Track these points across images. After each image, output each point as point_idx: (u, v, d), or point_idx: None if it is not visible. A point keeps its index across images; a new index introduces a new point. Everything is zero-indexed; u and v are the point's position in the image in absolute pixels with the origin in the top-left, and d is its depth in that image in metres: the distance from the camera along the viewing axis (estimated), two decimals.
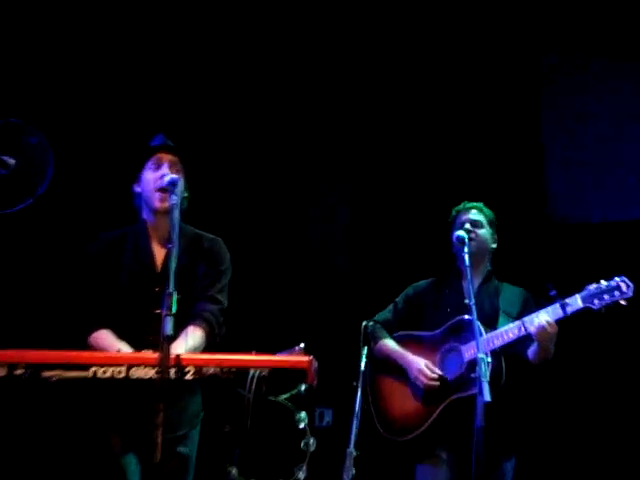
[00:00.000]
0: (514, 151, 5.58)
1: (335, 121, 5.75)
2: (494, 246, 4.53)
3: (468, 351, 4.18)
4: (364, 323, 4.17)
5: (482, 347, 3.81)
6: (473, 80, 5.52)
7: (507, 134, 5.56)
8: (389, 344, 4.43)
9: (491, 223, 4.56)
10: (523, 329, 4.08)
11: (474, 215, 4.52)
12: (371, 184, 5.69)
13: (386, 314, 4.55)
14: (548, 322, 4.00)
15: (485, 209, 4.58)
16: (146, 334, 3.56)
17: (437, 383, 4.21)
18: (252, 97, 5.69)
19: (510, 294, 4.45)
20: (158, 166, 3.84)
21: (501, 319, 4.27)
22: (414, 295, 4.55)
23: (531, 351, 4.19)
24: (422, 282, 4.62)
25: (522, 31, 5.43)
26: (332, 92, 5.68)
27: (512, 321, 4.20)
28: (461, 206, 4.61)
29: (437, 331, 4.36)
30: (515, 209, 5.52)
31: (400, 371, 4.34)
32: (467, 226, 4.43)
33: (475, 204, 4.59)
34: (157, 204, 3.79)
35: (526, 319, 4.09)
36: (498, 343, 4.11)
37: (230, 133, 5.73)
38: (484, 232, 4.47)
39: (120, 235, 3.91)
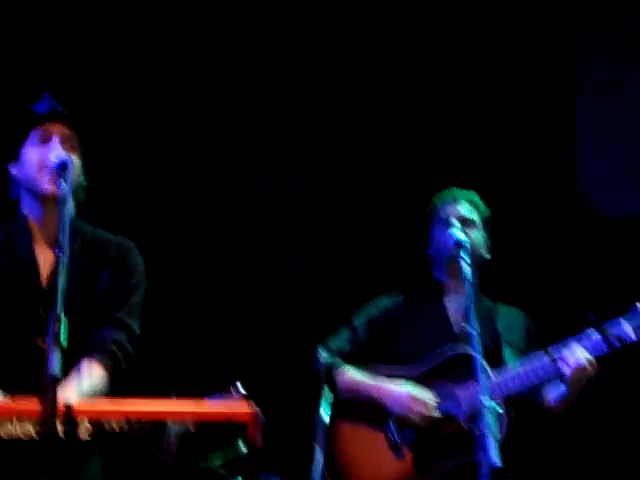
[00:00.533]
0: (541, 135, 5.65)
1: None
2: (487, 256, 4.32)
3: (468, 397, 3.97)
4: (323, 355, 3.94)
5: (491, 392, 3.64)
6: (499, 58, 5.71)
7: (534, 115, 5.67)
8: (352, 372, 4.15)
9: (486, 223, 4.33)
10: (553, 368, 3.91)
11: (466, 210, 4.28)
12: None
13: (340, 342, 4.29)
14: (589, 360, 3.87)
15: (480, 203, 4.34)
16: (25, 374, 3.40)
17: (438, 414, 3.99)
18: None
19: (508, 318, 4.28)
20: (45, 140, 3.59)
21: (507, 353, 4.11)
22: (379, 316, 4.32)
23: (552, 395, 4.05)
24: (386, 298, 4.39)
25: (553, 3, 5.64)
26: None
27: (519, 354, 4.08)
28: (448, 195, 4.35)
29: (421, 369, 4.13)
30: (540, 199, 5.51)
31: (372, 412, 4.07)
32: (455, 223, 4.17)
33: (468, 194, 4.35)
34: (47, 187, 3.52)
35: (559, 354, 3.93)
36: (516, 388, 3.94)
37: (141, 90, 5.62)
38: (477, 236, 4.25)
39: None
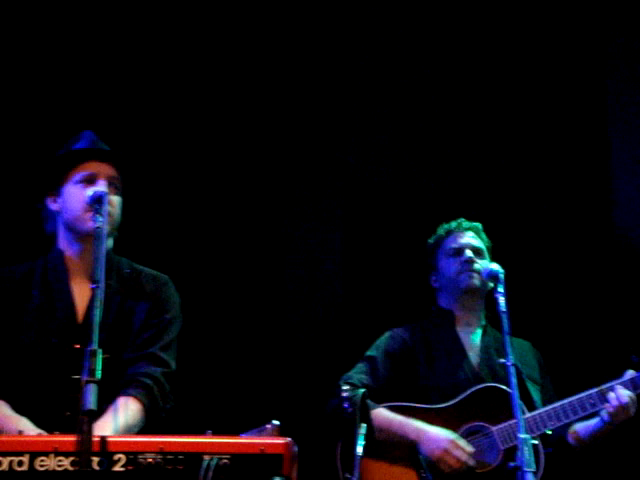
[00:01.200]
0: (576, 164, 5.62)
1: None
2: (492, 285, 4.25)
3: (505, 434, 3.92)
4: (345, 389, 3.89)
5: (529, 427, 3.63)
6: (533, 86, 5.69)
7: (567, 131, 5.65)
8: (386, 413, 4.10)
9: (489, 252, 4.36)
10: (589, 406, 3.90)
11: (474, 240, 4.31)
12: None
13: (362, 376, 4.24)
14: (632, 399, 3.87)
15: (483, 233, 4.38)
16: (60, 409, 3.38)
17: (473, 462, 3.92)
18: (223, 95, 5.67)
19: (520, 351, 4.22)
20: (90, 180, 3.60)
21: (531, 389, 4.06)
22: (397, 348, 4.28)
23: (584, 431, 4.01)
24: (399, 330, 4.35)
25: (584, 17, 5.62)
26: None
27: (538, 388, 4.04)
28: (454, 224, 4.39)
29: (448, 404, 4.08)
30: (576, 229, 5.47)
31: (404, 451, 4.02)
32: (469, 254, 4.20)
33: (473, 224, 4.38)
34: (89, 225, 3.48)
35: (593, 393, 3.92)
36: (553, 423, 3.91)
37: (185, 136, 5.61)
38: (485, 265, 4.22)
39: (24, 271, 3.69)
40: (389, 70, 5.70)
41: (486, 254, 4.31)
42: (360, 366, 4.27)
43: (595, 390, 3.93)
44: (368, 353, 4.30)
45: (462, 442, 3.94)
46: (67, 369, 3.42)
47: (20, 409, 3.46)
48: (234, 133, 5.65)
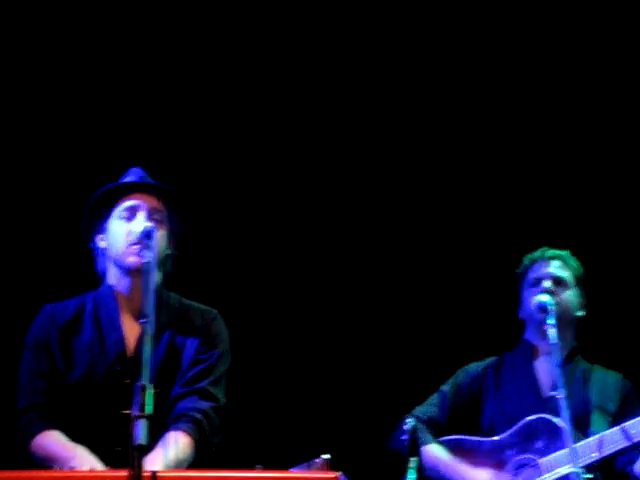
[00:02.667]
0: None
1: None
2: (581, 314, 4.27)
3: (551, 467, 3.89)
4: (408, 421, 3.90)
5: (575, 459, 3.56)
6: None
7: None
8: (437, 452, 4.12)
9: (579, 281, 4.29)
10: (625, 438, 3.85)
11: (557, 269, 4.25)
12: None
13: (430, 408, 4.26)
14: None
15: (571, 260, 4.31)
16: (111, 443, 3.41)
17: None
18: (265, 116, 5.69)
19: (604, 382, 4.20)
20: (132, 212, 3.65)
21: (595, 418, 4.03)
22: (468, 382, 4.29)
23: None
24: (475, 364, 4.37)
25: None
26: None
27: (607, 419, 4.00)
28: (538, 253, 4.34)
29: (502, 436, 4.07)
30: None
31: None
32: (548, 284, 4.16)
33: (558, 252, 4.32)
34: (132, 260, 3.58)
35: (628, 424, 3.86)
36: (596, 456, 3.86)
37: (239, 168, 5.64)
38: (569, 295, 4.22)
39: (75, 306, 3.74)
40: None
41: (572, 283, 4.25)
42: (431, 399, 4.31)
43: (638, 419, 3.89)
44: (441, 387, 4.33)
45: None
46: (118, 404, 3.42)
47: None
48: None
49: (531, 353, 4.26)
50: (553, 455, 3.89)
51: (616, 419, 4.00)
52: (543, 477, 3.93)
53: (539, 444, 3.97)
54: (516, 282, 4.36)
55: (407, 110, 5.66)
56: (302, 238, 5.65)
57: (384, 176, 5.68)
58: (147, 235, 3.35)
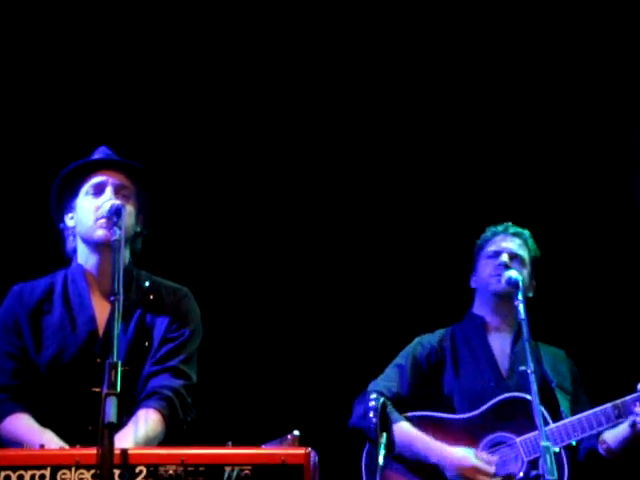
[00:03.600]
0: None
1: None
2: (531, 295, 4.31)
3: (529, 446, 3.93)
4: (374, 398, 3.91)
5: (554, 438, 3.64)
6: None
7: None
8: (409, 429, 4.10)
9: (534, 263, 4.35)
10: (613, 417, 3.92)
11: (517, 247, 4.30)
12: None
13: (390, 383, 4.25)
14: None
15: (530, 241, 4.36)
16: (81, 421, 3.41)
17: None
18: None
19: (553, 359, 4.26)
20: (99, 189, 3.65)
21: (560, 399, 4.08)
22: (425, 356, 4.30)
23: (612, 440, 4.01)
24: (428, 337, 4.38)
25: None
26: None
27: (568, 398, 4.04)
28: (501, 228, 4.39)
29: (472, 414, 4.10)
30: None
31: (425, 469, 4.04)
32: (505, 258, 4.20)
33: (521, 230, 4.37)
34: (100, 233, 3.56)
35: (619, 403, 3.92)
36: (577, 434, 3.93)
37: (205, 142, 5.65)
38: (525, 274, 4.25)
39: (45, 285, 3.73)
40: None
41: (526, 263, 4.29)
42: (388, 373, 4.29)
43: (620, 401, 3.94)
44: (397, 360, 4.32)
45: (482, 463, 3.95)
46: (88, 382, 3.44)
47: (42, 422, 3.48)
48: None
49: (483, 328, 4.29)
50: (532, 434, 3.91)
51: (572, 399, 4.09)
52: (520, 454, 3.97)
53: (513, 423, 4.00)
54: (473, 251, 4.41)
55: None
56: (268, 210, 5.66)
57: (349, 145, 5.72)
58: (116, 212, 3.35)
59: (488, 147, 5.65)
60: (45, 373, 3.55)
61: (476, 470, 3.93)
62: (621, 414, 3.91)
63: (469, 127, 5.68)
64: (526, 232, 4.37)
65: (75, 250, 3.73)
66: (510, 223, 4.40)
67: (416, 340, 4.36)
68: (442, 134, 5.69)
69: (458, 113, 5.68)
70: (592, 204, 5.54)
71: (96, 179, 3.66)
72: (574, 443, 3.97)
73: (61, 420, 3.49)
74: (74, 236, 3.72)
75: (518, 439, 3.98)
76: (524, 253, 4.29)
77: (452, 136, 5.69)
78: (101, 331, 3.61)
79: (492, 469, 3.93)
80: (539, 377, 4.04)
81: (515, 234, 4.33)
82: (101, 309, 3.64)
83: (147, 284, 3.73)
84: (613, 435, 4.02)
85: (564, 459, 3.92)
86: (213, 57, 5.62)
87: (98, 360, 3.50)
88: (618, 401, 3.95)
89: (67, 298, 3.68)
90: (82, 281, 3.68)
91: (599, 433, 4.02)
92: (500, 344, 4.23)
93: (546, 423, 3.88)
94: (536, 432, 3.72)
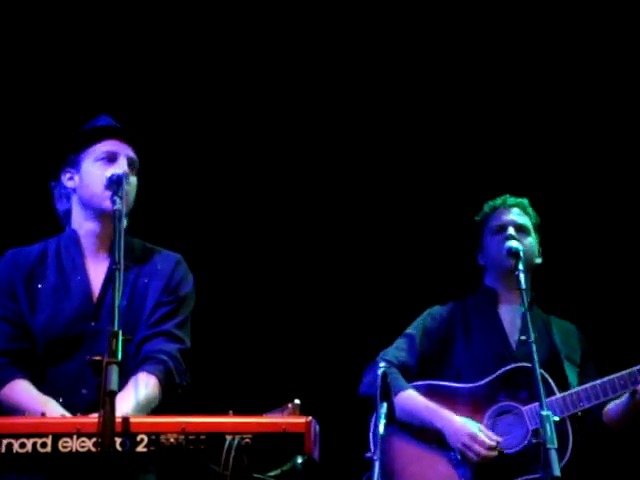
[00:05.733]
0: None
1: None
2: (539, 261, 4.36)
3: (534, 414, 3.96)
4: (381, 369, 3.96)
5: (556, 411, 3.69)
6: None
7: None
8: (414, 397, 4.16)
9: (537, 229, 4.38)
10: (619, 387, 3.97)
11: (518, 216, 4.34)
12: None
13: (399, 352, 4.29)
14: None
15: (530, 208, 4.39)
16: (75, 386, 3.47)
17: (495, 454, 3.98)
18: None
19: (564, 332, 4.30)
20: (112, 159, 3.66)
21: (567, 369, 4.13)
22: (436, 327, 4.35)
23: (615, 410, 4.06)
24: (439, 308, 4.42)
25: None
26: None
27: (577, 371, 4.09)
28: (499, 201, 4.42)
29: (479, 383, 4.15)
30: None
31: (428, 437, 4.11)
32: (511, 231, 4.23)
33: (519, 200, 4.41)
34: (109, 204, 3.54)
35: (625, 374, 3.97)
36: (583, 404, 3.98)
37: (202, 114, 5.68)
38: (530, 241, 4.30)
39: (38, 251, 3.74)
40: None
41: (532, 231, 4.32)
42: (399, 342, 4.33)
43: (626, 372, 3.99)
44: (407, 331, 4.36)
45: (483, 435, 3.99)
46: (82, 346, 3.50)
47: (37, 387, 3.51)
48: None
49: (494, 299, 4.33)
50: (537, 403, 3.85)
51: (580, 371, 4.13)
52: (526, 423, 4.02)
53: (519, 392, 4.05)
54: (476, 229, 4.44)
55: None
56: (263, 179, 5.68)
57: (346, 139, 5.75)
58: (118, 182, 3.38)
59: (485, 122, 5.71)
60: (39, 337, 3.57)
61: (473, 438, 3.98)
62: (627, 384, 3.95)
63: (462, 108, 5.72)
64: (524, 200, 4.40)
65: (68, 212, 3.74)
66: (507, 195, 4.43)
67: (427, 311, 4.40)
68: (437, 115, 5.74)
69: (450, 95, 5.72)
70: (607, 181, 5.57)
71: (108, 146, 3.67)
72: (580, 413, 4.02)
73: (53, 384, 3.52)
74: (68, 197, 3.72)
75: (524, 408, 4.03)
76: (526, 221, 4.33)
77: (447, 116, 5.73)
78: (95, 295, 3.63)
79: (492, 443, 3.98)
80: (547, 347, 4.13)
81: (514, 204, 4.37)
82: (95, 274, 3.66)
83: (140, 250, 3.75)
84: (615, 404, 4.07)
85: (568, 429, 3.97)
86: (214, 44, 5.66)
87: (92, 324, 3.55)
88: (624, 371, 4.00)
89: (61, 263, 3.69)
90: (76, 246, 3.70)
91: (604, 404, 4.07)
92: (511, 316, 4.27)
93: (551, 393, 3.95)
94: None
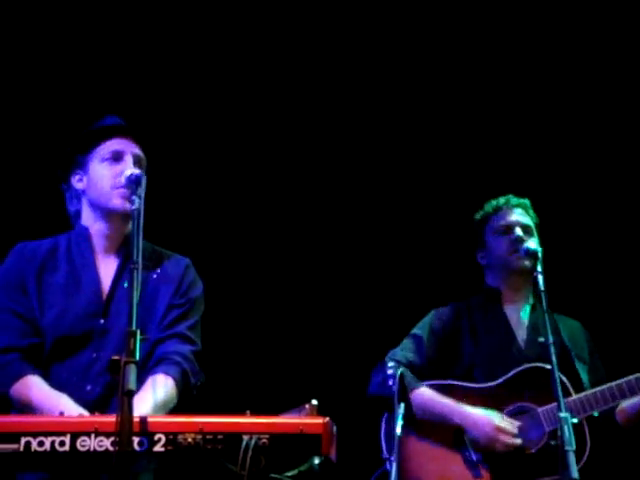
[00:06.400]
0: None
1: None
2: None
3: (550, 416, 3.99)
4: (392, 366, 3.95)
5: (573, 412, 3.71)
6: None
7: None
8: (430, 393, 4.17)
9: (537, 229, 4.40)
10: (637, 388, 3.97)
11: (522, 217, 4.35)
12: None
13: (409, 354, 4.31)
14: None
15: (531, 209, 4.42)
16: (81, 384, 3.49)
17: (519, 441, 3.97)
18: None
19: (571, 331, 4.30)
20: (118, 158, 3.68)
21: (579, 367, 4.15)
22: (442, 327, 4.36)
23: (631, 407, 4.06)
24: (445, 309, 4.43)
25: None
26: None
27: (586, 368, 4.09)
28: (502, 201, 4.43)
29: (493, 383, 4.16)
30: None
31: (443, 436, 4.11)
32: (519, 232, 4.23)
33: (522, 200, 4.42)
34: (118, 202, 3.60)
35: (631, 379, 3.98)
36: (601, 406, 3.99)
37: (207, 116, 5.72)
38: (535, 242, 4.29)
39: (49, 246, 3.75)
40: None
41: (534, 231, 4.33)
42: (406, 343, 4.34)
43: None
44: (414, 331, 4.37)
45: (506, 424, 4.00)
46: (90, 343, 3.52)
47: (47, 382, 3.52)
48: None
49: (499, 299, 4.34)
50: (554, 404, 3.89)
51: (589, 368, 4.14)
52: (542, 424, 4.03)
53: (535, 392, 4.05)
54: (476, 228, 4.44)
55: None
56: (270, 183, 5.71)
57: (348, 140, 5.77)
58: (136, 181, 3.34)
59: (485, 122, 5.74)
60: (48, 332, 3.58)
61: (500, 430, 3.99)
62: None
63: (462, 108, 5.76)
64: (526, 201, 4.43)
65: (78, 213, 3.76)
66: (510, 195, 4.44)
67: (433, 312, 4.41)
68: (438, 116, 5.77)
69: (450, 97, 5.75)
70: (609, 178, 5.58)
71: (114, 145, 3.69)
72: (596, 414, 4.02)
73: (60, 379, 3.52)
74: (79, 198, 3.75)
75: (539, 409, 4.04)
76: (530, 222, 4.36)
77: (448, 117, 5.76)
78: (105, 293, 3.64)
79: (516, 431, 3.99)
80: (558, 347, 4.04)
81: (518, 205, 4.39)
82: (105, 272, 3.67)
83: (149, 253, 3.73)
84: (631, 402, 4.07)
85: (585, 430, 3.97)
86: (223, 44, 5.69)
87: (101, 321, 3.56)
88: None
89: (71, 258, 3.70)
90: (87, 243, 3.71)
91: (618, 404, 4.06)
92: (517, 315, 4.28)
93: (568, 393, 3.95)
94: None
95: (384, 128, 5.75)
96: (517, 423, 4.02)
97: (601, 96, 5.60)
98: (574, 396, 3.98)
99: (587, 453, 3.93)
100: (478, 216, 4.47)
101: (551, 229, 4.57)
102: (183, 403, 3.56)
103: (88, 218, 3.73)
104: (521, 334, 4.28)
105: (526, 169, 5.52)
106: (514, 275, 4.25)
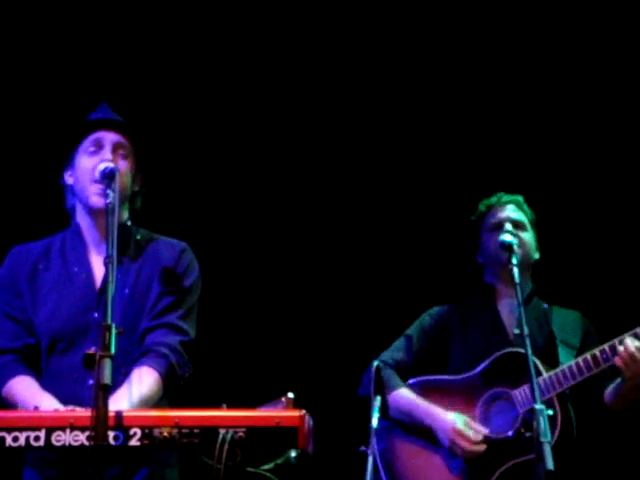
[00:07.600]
0: None
1: None
2: (537, 256, 4.40)
3: (523, 397, 4.03)
4: (375, 363, 3.98)
5: (543, 391, 3.68)
6: None
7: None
8: (407, 395, 4.23)
9: (533, 224, 4.42)
10: (601, 360, 3.95)
11: (514, 212, 4.38)
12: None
13: (396, 353, 4.36)
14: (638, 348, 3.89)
15: (525, 205, 4.44)
16: (83, 379, 3.45)
17: (483, 448, 4.02)
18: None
19: (564, 319, 4.32)
20: (97, 148, 3.67)
21: (561, 352, 4.14)
22: (433, 325, 4.41)
23: (611, 391, 4.08)
24: (438, 307, 4.48)
25: None
26: None
27: (573, 353, 4.11)
28: (494, 199, 4.47)
29: (472, 373, 4.19)
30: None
31: (425, 433, 4.16)
32: (509, 227, 4.27)
33: (513, 197, 4.45)
34: (92, 200, 3.60)
35: (605, 346, 3.97)
36: (566, 383, 3.99)
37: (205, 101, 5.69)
38: (528, 237, 4.34)
39: (44, 245, 3.76)
40: None
41: (529, 226, 4.36)
42: (397, 343, 4.40)
43: (607, 345, 3.99)
44: (406, 332, 4.43)
45: (466, 429, 4.03)
46: (87, 340, 3.48)
47: (41, 382, 3.52)
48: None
49: (493, 295, 4.38)
50: (524, 386, 4.00)
51: (580, 353, 4.11)
52: (516, 407, 4.05)
53: (510, 377, 4.07)
54: (473, 228, 4.47)
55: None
56: (267, 177, 5.69)
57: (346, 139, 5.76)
58: (109, 175, 3.35)
59: (484, 122, 5.71)
60: (43, 330, 3.58)
61: (459, 435, 4.02)
62: (609, 357, 3.95)
63: (461, 109, 5.73)
64: (519, 197, 4.44)
65: (74, 208, 3.77)
66: (502, 193, 4.47)
67: (426, 312, 4.47)
68: (436, 116, 5.74)
69: (448, 97, 5.73)
70: (607, 171, 5.58)
71: (93, 136, 3.67)
72: (568, 392, 4.04)
73: (61, 376, 3.52)
74: (73, 194, 3.75)
75: (512, 392, 4.07)
76: (522, 217, 4.37)
77: (446, 117, 5.74)
78: (97, 286, 3.62)
79: (478, 437, 4.02)
80: (544, 337, 4.18)
81: (509, 201, 4.41)
82: (97, 265, 3.64)
83: (145, 240, 3.74)
84: (611, 385, 4.09)
85: (556, 405, 4.00)
86: (220, 39, 5.67)
87: (95, 315, 3.54)
88: (605, 345, 4.01)
89: (65, 255, 3.70)
90: (79, 238, 3.71)
91: (597, 383, 4.10)
92: (508, 310, 4.30)
93: (539, 374, 3.96)
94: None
95: (383, 128, 5.74)
96: (484, 430, 4.04)
97: (596, 94, 5.58)
98: (545, 375, 4.00)
99: (559, 428, 3.96)
100: (474, 217, 4.51)
101: (551, 225, 4.60)
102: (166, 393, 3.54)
103: (79, 213, 3.74)
104: (511, 327, 4.29)
105: (524, 165, 5.51)
106: (506, 270, 4.26)
